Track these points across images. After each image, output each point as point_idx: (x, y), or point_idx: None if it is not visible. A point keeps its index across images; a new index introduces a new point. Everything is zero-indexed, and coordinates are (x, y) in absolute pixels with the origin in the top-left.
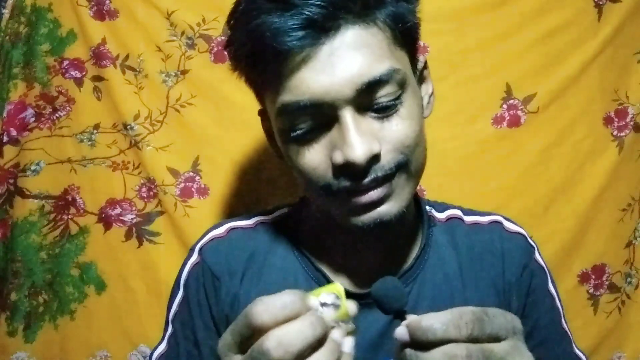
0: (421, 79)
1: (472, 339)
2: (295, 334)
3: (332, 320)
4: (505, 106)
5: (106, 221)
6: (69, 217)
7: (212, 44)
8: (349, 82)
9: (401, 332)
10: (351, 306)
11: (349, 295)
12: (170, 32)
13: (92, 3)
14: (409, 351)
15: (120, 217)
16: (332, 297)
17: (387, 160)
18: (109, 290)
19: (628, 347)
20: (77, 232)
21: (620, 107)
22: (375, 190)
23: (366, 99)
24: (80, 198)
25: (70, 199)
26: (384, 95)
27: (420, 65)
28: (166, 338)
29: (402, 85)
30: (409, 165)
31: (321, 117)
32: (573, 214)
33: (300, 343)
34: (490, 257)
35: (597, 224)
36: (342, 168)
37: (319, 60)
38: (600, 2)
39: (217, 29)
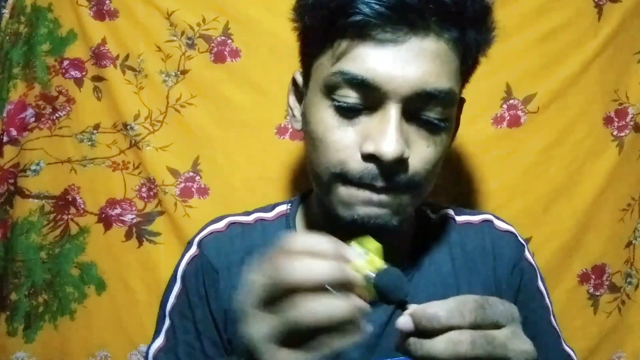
0: (456, 117)
1: (475, 326)
2: (320, 267)
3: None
4: (505, 106)
5: (106, 221)
6: (69, 217)
7: (212, 44)
8: (411, 82)
9: (404, 321)
10: (378, 260)
11: None
12: (170, 32)
13: (92, 3)
14: (413, 340)
15: (120, 217)
16: (364, 253)
17: (406, 174)
18: (109, 290)
19: (628, 347)
20: (77, 232)
21: (620, 107)
22: (385, 195)
23: (414, 106)
24: (80, 198)
25: (70, 199)
26: (432, 111)
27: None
28: (163, 331)
29: (449, 111)
30: (420, 188)
31: (368, 99)
32: (573, 214)
33: (323, 276)
34: (481, 255)
35: (597, 224)
36: (368, 159)
37: (398, 51)
38: (600, 2)
39: (217, 29)
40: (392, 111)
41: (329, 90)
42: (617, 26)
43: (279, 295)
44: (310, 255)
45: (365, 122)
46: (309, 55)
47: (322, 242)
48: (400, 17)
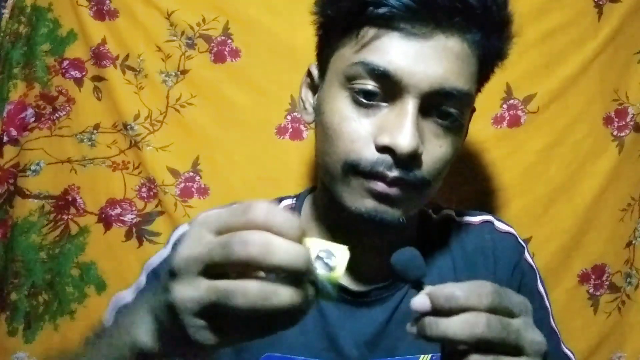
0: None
1: (491, 310)
2: (283, 249)
3: (319, 276)
4: (505, 106)
5: (106, 221)
6: (69, 217)
7: (212, 44)
8: (432, 79)
9: (421, 300)
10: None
11: (348, 292)
12: (170, 32)
13: (92, 3)
14: (428, 319)
15: (121, 217)
16: (328, 255)
17: (418, 169)
18: (109, 290)
19: (628, 347)
20: (77, 232)
21: (620, 107)
22: (396, 188)
23: (431, 104)
24: (80, 198)
25: (70, 199)
26: (447, 111)
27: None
28: (133, 288)
29: (464, 113)
30: (428, 186)
31: (386, 91)
32: (573, 214)
33: (282, 260)
34: (482, 256)
35: (597, 224)
36: (382, 151)
37: (422, 46)
38: (600, 2)
39: (217, 29)
40: (410, 105)
41: (348, 80)
42: (617, 26)
43: (224, 263)
44: (273, 230)
45: (381, 114)
46: (328, 48)
47: (291, 221)
48: (428, 13)
